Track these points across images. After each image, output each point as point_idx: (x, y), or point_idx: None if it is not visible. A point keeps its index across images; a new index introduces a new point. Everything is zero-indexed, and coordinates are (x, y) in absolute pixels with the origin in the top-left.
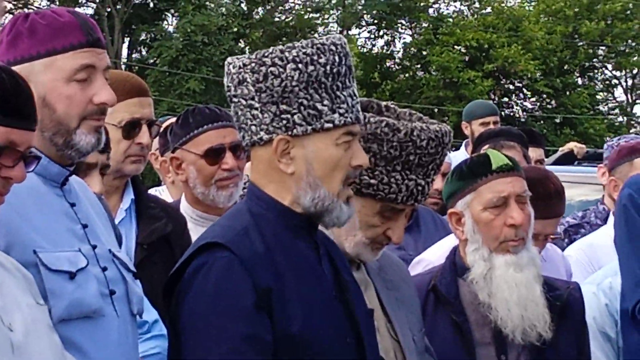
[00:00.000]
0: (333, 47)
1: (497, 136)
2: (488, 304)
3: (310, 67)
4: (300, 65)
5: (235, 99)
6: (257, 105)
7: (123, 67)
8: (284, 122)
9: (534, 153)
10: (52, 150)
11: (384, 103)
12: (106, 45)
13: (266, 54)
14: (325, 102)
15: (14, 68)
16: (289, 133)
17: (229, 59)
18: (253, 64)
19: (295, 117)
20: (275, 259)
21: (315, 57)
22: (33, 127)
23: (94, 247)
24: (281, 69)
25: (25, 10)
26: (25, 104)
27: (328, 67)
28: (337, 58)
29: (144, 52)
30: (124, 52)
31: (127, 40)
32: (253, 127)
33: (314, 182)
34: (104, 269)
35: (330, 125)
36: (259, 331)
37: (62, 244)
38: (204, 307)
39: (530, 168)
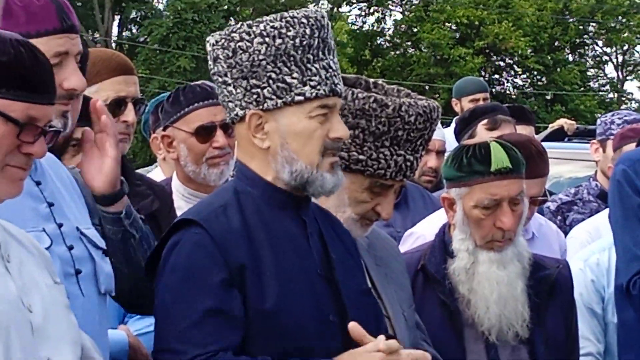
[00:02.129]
0: (304, 20)
1: (493, 111)
2: (468, 300)
3: (278, 40)
4: (267, 39)
5: (214, 77)
6: (230, 81)
7: (113, 45)
8: (255, 96)
9: (525, 130)
10: None
11: (372, 80)
12: (94, 24)
13: (235, 30)
14: (295, 74)
15: None
16: (261, 107)
17: (208, 37)
18: (223, 40)
19: (265, 91)
20: (253, 236)
21: (283, 31)
22: (52, 101)
23: (60, 225)
24: (248, 44)
25: None
26: (44, 79)
27: (297, 40)
28: (308, 30)
29: (134, 30)
30: (114, 30)
31: (117, 18)
32: (230, 104)
33: (289, 156)
34: (70, 248)
35: (301, 98)
36: (226, 306)
37: (25, 224)
38: (174, 283)
39: (512, 133)
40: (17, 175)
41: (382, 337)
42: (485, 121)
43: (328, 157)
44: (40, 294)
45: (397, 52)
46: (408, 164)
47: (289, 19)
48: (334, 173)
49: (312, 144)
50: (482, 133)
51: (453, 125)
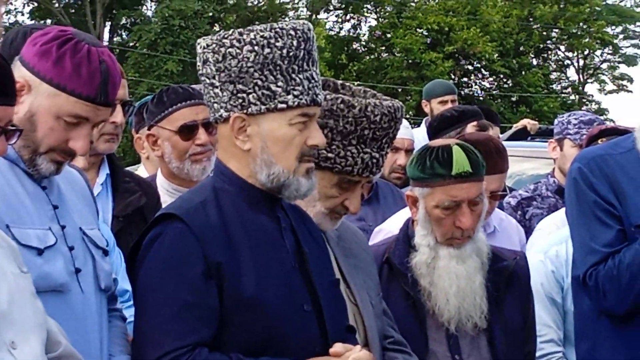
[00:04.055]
0: (292, 32)
1: (479, 115)
2: (428, 292)
3: (267, 50)
4: (256, 48)
5: (202, 78)
6: (217, 84)
7: None
8: (240, 101)
9: (491, 130)
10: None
11: (340, 81)
12: (87, 30)
13: (226, 36)
14: (280, 83)
15: (26, 71)
16: (245, 111)
17: (199, 40)
18: (214, 45)
19: (250, 96)
20: (231, 231)
21: (272, 41)
22: (13, 103)
23: (63, 227)
24: (238, 50)
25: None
26: (4, 82)
27: (285, 51)
28: (295, 42)
29: (124, 36)
30: (106, 35)
31: (108, 24)
32: (215, 105)
33: (268, 160)
34: (71, 248)
35: (284, 105)
36: (203, 299)
37: (33, 222)
38: (154, 274)
39: (473, 132)
40: None
41: (357, 347)
42: (475, 122)
43: (304, 163)
44: (6, 281)
45: (372, 57)
46: (374, 161)
47: (278, 30)
48: (308, 178)
49: (291, 149)
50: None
51: (423, 125)
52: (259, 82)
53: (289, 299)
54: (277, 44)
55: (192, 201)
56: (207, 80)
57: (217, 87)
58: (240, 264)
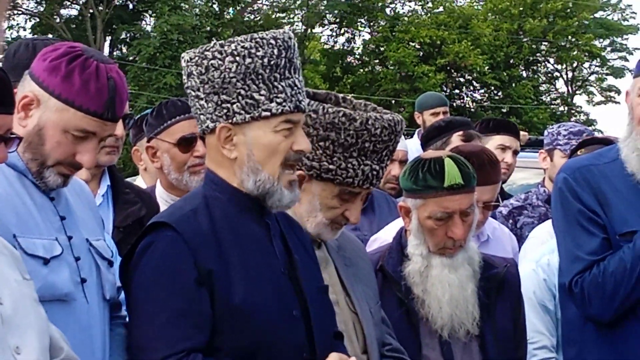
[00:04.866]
0: (273, 41)
1: (467, 125)
2: (422, 300)
3: (248, 60)
4: (237, 58)
5: (188, 91)
6: (202, 95)
7: None
8: (225, 111)
9: (513, 142)
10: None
11: (341, 95)
12: (87, 44)
13: (208, 48)
14: (263, 92)
15: (36, 86)
16: (230, 121)
17: (183, 54)
18: (197, 58)
19: (234, 106)
20: (221, 238)
21: (253, 50)
22: (11, 111)
23: (70, 237)
24: (220, 62)
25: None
26: (2, 91)
27: (266, 60)
28: (275, 51)
29: (124, 50)
30: (106, 50)
31: (108, 39)
32: (201, 117)
33: (254, 167)
34: (77, 259)
35: (268, 113)
36: (196, 305)
37: (40, 232)
38: (147, 282)
39: (467, 144)
40: None
41: (353, 358)
42: (460, 132)
43: (288, 172)
44: (10, 288)
45: (366, 69)
46: (374, 172)
47: (258, 39)
48: (291, 190)
49: (277, 156)
50: (456, 142)
51: (415, 136)
52: (242, 92)
53: (278, 304)
54: (257, 53)
55: (183, 209)
56: (193, 93)
57: (202, 98)
58: (230, 271)
